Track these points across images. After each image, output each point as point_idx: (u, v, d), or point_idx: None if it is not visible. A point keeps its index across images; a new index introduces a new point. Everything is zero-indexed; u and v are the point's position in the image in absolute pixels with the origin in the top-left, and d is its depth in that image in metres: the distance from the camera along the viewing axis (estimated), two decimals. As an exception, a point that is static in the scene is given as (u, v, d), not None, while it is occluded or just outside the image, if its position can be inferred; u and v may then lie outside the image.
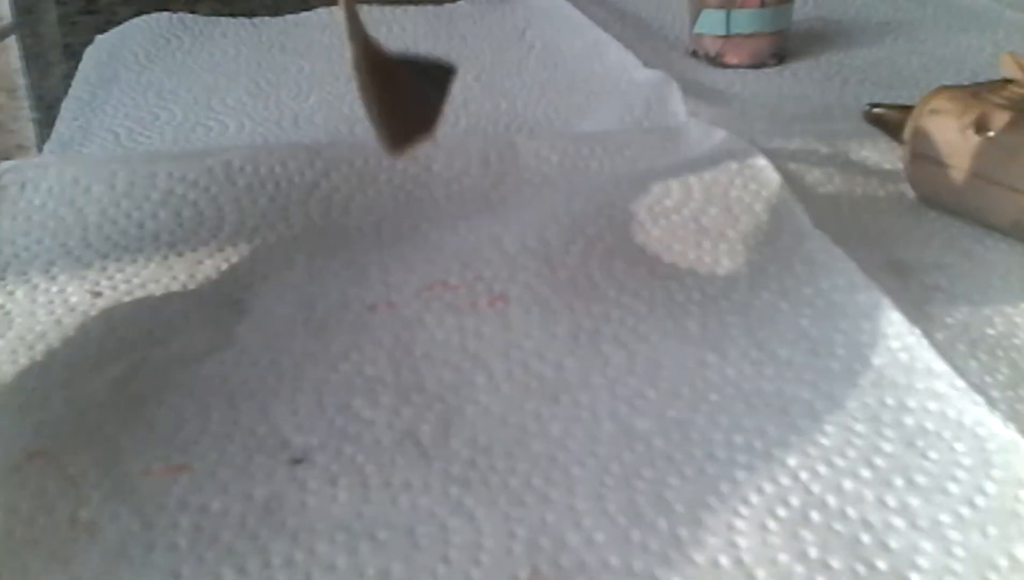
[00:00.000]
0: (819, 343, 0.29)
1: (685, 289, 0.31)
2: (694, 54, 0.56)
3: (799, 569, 0.21)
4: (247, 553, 0.22)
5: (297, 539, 0.22)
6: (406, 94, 0.28)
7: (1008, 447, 0.24)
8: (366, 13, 0.61)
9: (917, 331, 0.28)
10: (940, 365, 0.27)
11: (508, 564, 0.21)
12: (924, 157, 0.36)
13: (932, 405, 0.26)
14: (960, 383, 0.26)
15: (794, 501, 0.23)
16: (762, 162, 0.38)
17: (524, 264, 0.31)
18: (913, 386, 0.27)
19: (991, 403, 0.25)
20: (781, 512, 0.23)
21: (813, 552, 0.22)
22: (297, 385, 0.28)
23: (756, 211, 0.35)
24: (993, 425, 0.25)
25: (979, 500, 0.23)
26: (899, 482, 0.24)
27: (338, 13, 0.26)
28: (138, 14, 0.60)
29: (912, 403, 0.26)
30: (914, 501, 0.23)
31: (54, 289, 0.32)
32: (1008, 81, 0.37)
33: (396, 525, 0.23)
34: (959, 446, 0.24)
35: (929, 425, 0.25)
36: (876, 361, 0.28)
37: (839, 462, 0.24)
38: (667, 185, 0.36)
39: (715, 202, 0.35)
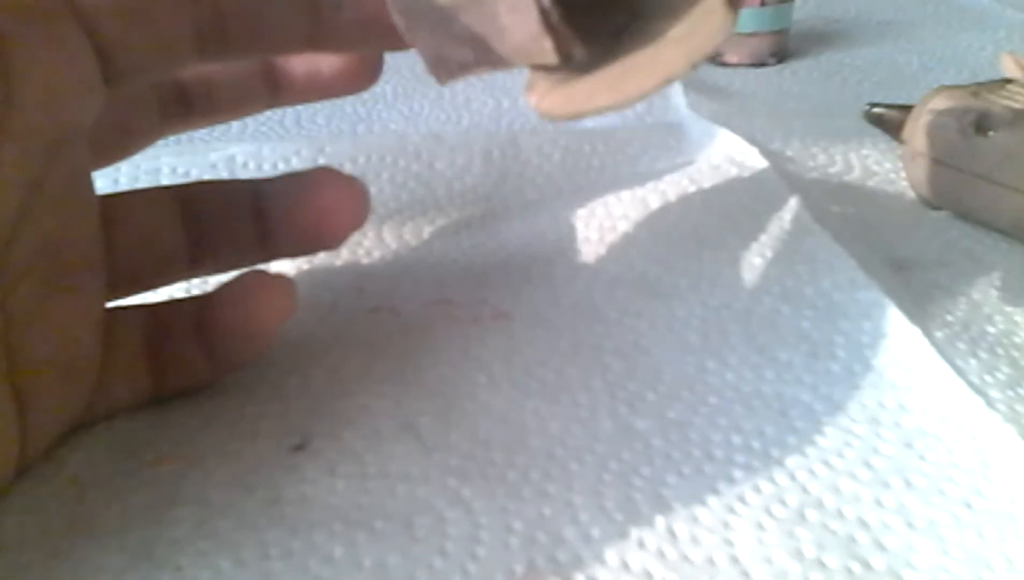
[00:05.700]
0: (819, 345, 0.29)
1: (687, 305, 0.31)
2: (695, 53, 0.56)
3: (794, 567, 0.21)
4: (245, 544, 0.22)
5: (295, 529, 0.22)
6: None
7: (1006, 451, 0.24)
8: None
9: (917, 331, 0.28)
10: (939, 366, 0.27)
11: (505, 558, 0.22)
12: (924, 157, 0.36)
13: (931, 406, 0.26)
14: (959, 385, 0.26)
15: (791, 501, 0.23)
16: (762, 162, 0.38)
17: (529, 294, 0.32)
18: (912, 387, 0.27)
19: (990, 404, 0.25)
20: (778, 511, 0.23)
21: (809, 551, 0.22)
22: (298, 377, 0.28)
23: (756, 213, 0.35)
24: (991, 428, 0.25)
25: (976, 502, 0.23)
26: (896, 483, 0.24)
27: None
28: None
29: (911, 404, 0.26)
30: (911, 502, 0.23)
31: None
32: (1008, 81, 0.37)
33: (393, 516, 0.23)
34: (957, 448, 0.25)
35: (927, 427, 0.25)
36: (876, 362, 0.28)
37: (837, 463, 0.24)
38: (666, 199, 0.36)
39: (714, 210, 0.35)
